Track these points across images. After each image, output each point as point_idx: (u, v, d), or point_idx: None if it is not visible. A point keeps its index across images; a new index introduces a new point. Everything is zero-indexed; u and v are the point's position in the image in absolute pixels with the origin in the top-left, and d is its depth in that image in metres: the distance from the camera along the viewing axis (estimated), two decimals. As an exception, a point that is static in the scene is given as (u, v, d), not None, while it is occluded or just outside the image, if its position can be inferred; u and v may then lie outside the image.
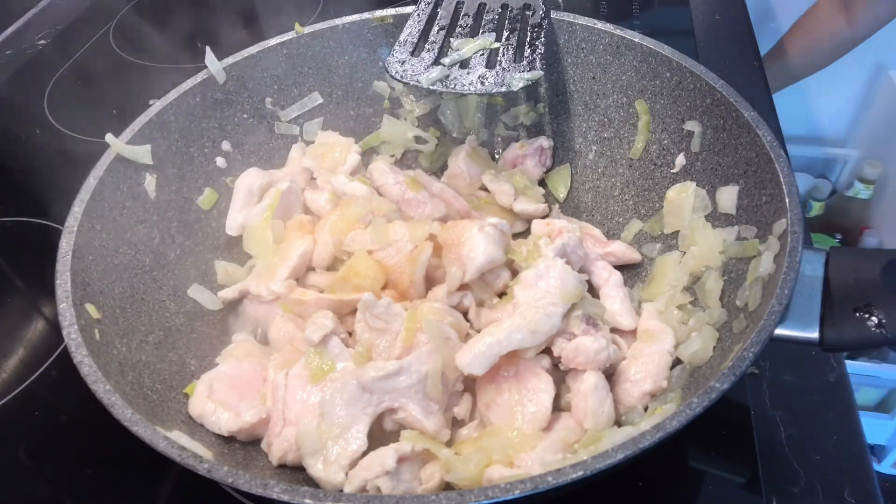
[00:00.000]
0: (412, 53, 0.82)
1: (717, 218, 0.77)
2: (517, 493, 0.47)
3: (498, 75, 0.79)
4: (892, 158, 2.12)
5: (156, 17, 1.57)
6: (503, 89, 0.78)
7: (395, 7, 0.95)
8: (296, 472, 0.68)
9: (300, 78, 0.95)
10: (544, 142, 0.96)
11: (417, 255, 0.76)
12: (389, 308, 0.72)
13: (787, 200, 0.64)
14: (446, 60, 0.81)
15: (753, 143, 0.71)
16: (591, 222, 0.92)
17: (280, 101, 0.95)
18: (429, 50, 0.83)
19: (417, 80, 0.79)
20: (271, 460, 0.68)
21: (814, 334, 0.60)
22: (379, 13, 0.94)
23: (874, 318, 0.58)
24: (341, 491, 0.62)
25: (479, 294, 0.78)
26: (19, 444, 0.80)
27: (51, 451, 0.79)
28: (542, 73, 0.79)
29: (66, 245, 0.68)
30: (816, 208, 2.32)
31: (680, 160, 0.83)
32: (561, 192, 0.97)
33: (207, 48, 0.87)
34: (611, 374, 0.72)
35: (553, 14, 0.88)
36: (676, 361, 0.71)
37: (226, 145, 0.91)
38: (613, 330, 0.77)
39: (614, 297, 0.79)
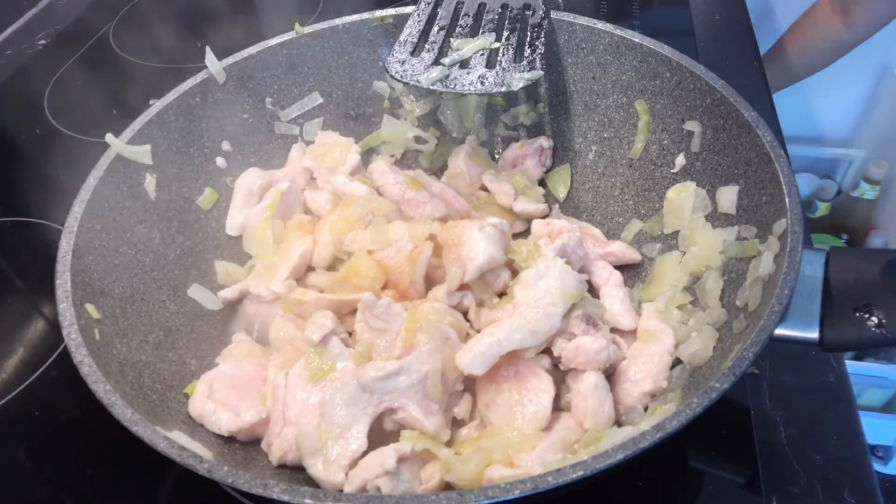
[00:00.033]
0: (412, 53, 0.82)
1: (717, 218, 0.77)
2: (517, 493, 0.47)
3: (498, 75, 0.79)
4: (899, 159, 2.13)
5: (156, 17, 1.57)
6: (503, 89, 0.78)
7: (395, 7, 0.95)
8: (296, 472, 0.68)
9: (300, 78, 0.95)
10: (544, 142, 0.96)
11: (417, 255, 0.76)
12: (389, 308, 0.72)
13: (787, 200, 0.64)
14: (446, 60, 0.81)
15: (753, 143, 0.71)
16: (591, 222, 0.92)
17: (280, 101, 0.95)
18: (429, 50, 0.83)
19: (417, 80, 0.79)
20: (271, 460, 0.68)
21: (814, 334, 0.60)
22: (379, 13, 0.94)
23: (874, 318, 0.58)
24: (341, 491, 0.62)
25: (479, 294, 0.78)
26: (19, 444, 0.80)
27: (51, 451, 0.79)
28: (542, 73, 0.79)
29: (66, 245, 0.68)
30: (822, 209, 2.32)
31: (680, 160, 0.83)
32: (561, 192, 0.97)
33: (207, 48, 0.87)
34: (611, 374, 0.72)
35: (553, 14, 0.89)
36: (676, 361, 0.71)
37: (226, 145, 0.91)
38: (613, 330, 0.77)
39: (614, 297, 0.79)
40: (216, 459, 0.60)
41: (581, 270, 0.79)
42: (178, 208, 0.84)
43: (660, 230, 0.85)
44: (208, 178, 0.89)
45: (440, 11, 0.87)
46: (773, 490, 0.69)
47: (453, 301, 0.77)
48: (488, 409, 0.69)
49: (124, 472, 0.75)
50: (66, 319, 0.62)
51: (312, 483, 0.64)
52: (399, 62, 0.81)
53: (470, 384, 0.72)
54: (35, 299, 0.99)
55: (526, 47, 0.82)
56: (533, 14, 0.87)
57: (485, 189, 0.96)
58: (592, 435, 0.63)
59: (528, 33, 0.84)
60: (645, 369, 0.70)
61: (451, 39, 0.84)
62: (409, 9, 0.89)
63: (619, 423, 0.69)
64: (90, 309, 0.65)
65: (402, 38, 0.84)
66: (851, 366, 1.72)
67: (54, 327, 0.93)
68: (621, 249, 0.85)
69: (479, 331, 0.74)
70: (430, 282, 0.80)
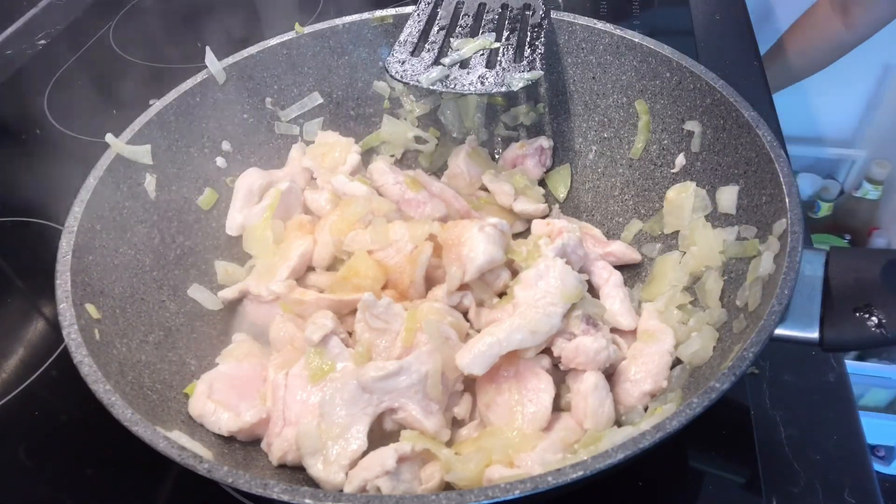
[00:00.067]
0: (412, 53, 0.82)
1: (717, 218, 0.77)
2: (517, 493, 0.47)
3: (498, 75, 0.79)
4: (902, 159, 2.12)
5: (156, 17, 1.57)
6: (503, 89, 0.78)
7: (395, 7, 0.95)
8: (296, 472, 0.68)
9: (300, 78, 0.95)
10: (544, 142, 0.96)
11: (417, 255, 0.76)
12: (389, 308, 0.72)
13: (787, 200, 0.64)
14: (446, 60, 0.81)
15: (753, 143, 0.71)
16: (591, 222, 0.92)
17: (280, 101, 0.95)
18: (429, 50, 0.83)
19: (417, 80, 0.79)
20: (271, 460, 0.68)
21: (814, 334, 0.60)
22: (379, 13, 0.94)
23: (874, 318, 0.58)
24: (341, 491, 0.62)
25: (479, 294, 0.78)
26: (19, 444, 0.80)
27: (51, 451, 0.79)
28: (542, 73, 0.79)
29: (66, 245, 0.68)
30: (825, 209, 2.31)
31: (680, 160, 0.83)
32: (561, 192, 0.97)
33: (207, 48, 0.87)
34: (611, 374, 0.72)
35: (553, 14, 0.88)
36: (676, 361, 0.71)
37: (226, 145, 0.91)
38: (613, 330, 0.77)
39: (614, 297, 0.79)
40: (216, 459, 0.60)
41: (581, 270, 0.79)
42: (178, 208, 0.84)
43: (660, 230, 0.85)
44: (208, 178, 0.89)
45: (440, 11, 0.87)
46: (773, 490, 0.69)
47: (453, 301, 0.77)
48: (488, 409, 0.69)
49: (124, 472, 0.75)
50: (66, 319, 0.62)
51: (312, 483, 0.64)
52: (399, 62, 0.81)
53: (470, 384, 0.72)
54: (35, 299, 0.99)
55: (526, 47, 0.82)
56: (533, 14, 0.87)
57: (485, 189, 0.96)
58: (592, 435, 0.63)
59: (528, 33, 0.84)
60: (645, 369, 0.70)
61: (451, 39, 0.84)
62: (409, 9, 0.89)
63: (619, 423, 0.69)
64: (90, 309, 0.65)
65: (402, 38, 0.84)
66: (854, 366, 1.72)
67: (54, 327, 0.93)
68: (621, 249, 0.85)
69: (479, 331, 0.74)
70: (430, 282, 0.80)
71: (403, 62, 0.81)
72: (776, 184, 0.66)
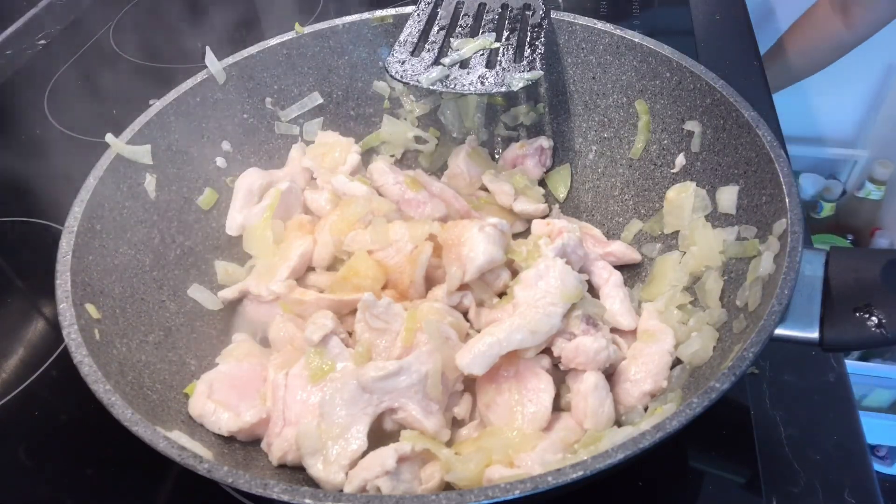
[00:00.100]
0: (412, 53, 0.82)
1: (717, 218, 0.77)
2: (517, 493, 0.47)
3: (498, 75, 0.79)
4: (904, 159, 2.12)
5: (156, 17, 1.57)
6: (503, 89, 0.78)
7: (395, 7, 0.95)
8: (296, 472, 0.68)
9: (300, 78, 0.95)
10: (544, 142, 0.96)
11: (417, 255, 0.76)
12: (389, 308, 0.72)
13: (787, 200, 0.64)
14: (446, 60, 0.81)
15: (753, 143, 0.71)
16: (591, 222, 0.92)
17: (280, 101, 0.95)
18: (429, 50, 0.83)
19: (417, 80, 0.79)
20: (271, 460, 0.68)
21: (814, 334, 0.60)
22: (379, 13, 0.94)
23: (874, 318, 0.58)
24: (341, 491, 0.62)
25: (479, 294, 0.78)
26: (19, 444, 0.80)
27: (51, 451, 0.79)
28: (542, 73, 0.79)
29: (66, 245, 0.68)
30: (827, 209, 2.31)
31: (680, 160, 0.83)
32: (561, 192, 0.97)
33: (207, 48, 0.87)
34: (611, 374, 0.72)
35: (553, 14, 0.88)
36: (676, 361, 0.71)
37: (226, 145, 0.91)
38: (613, 330, 0.77)
39: (614, 297, 0.79)
40: (216, 459, 0.60)
41: (581, 270, 0.79)
42: (178, 208, 0.84)
43: (660, 230, 0.85)
44: (208, 178, 0.89)
45: (440, 11, 0.87)
46: (773, 490, 0.70)
47: (453, 301, 0.77)
48: (488, 409, 0.69)
49: (124, 472, 0.75)
50: (66, 319, 0.62)
51: (312, 483, 0.64)
52: (399, 62, 0.81)
53: (470, 384, 0.72)
54: (35, 299, 0.99)
55: (526, 47, 0.82)
56: (533, 14, 0.87)
57: (485, 189, 0.96)
58: (592, 435, 0.63)
59: (528, 33, 0.84)
60: (645, 369, 0.70)
61: (451, 39, 0.84)
62: (409, 9, 0.89)
63: (619, 423, 0.69)
64: (90, 309, 0.65)
65: (402, 38, 0.84)
66: (858, 366, 1.72)
67: (54, 327, 0.93)
68: (621, 249, 0.85)
69: (479, 331, 0.74)
70: (430, 282, 0.80)
71: (403, 62, 0.81)
72: (776, 184, 0.66)
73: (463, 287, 0.76)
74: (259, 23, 1.49)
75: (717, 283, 0.72)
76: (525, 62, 0.80)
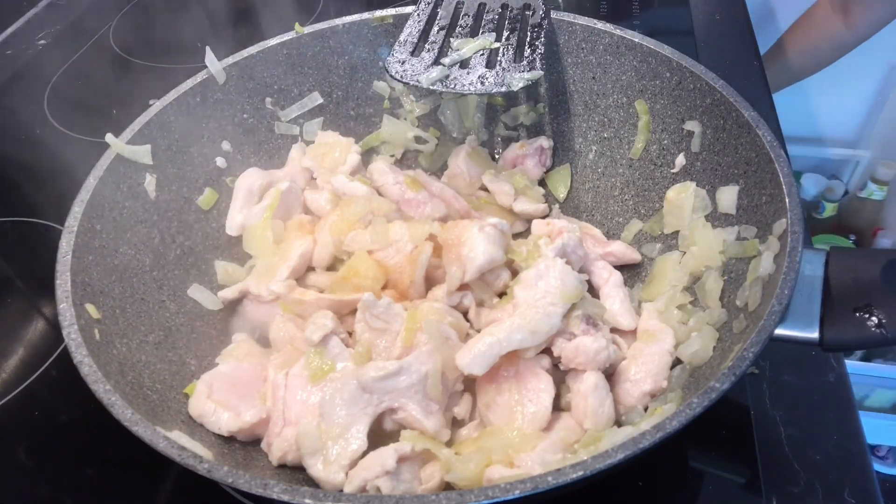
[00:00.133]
0: (412, 53, 0.82)
1: (717, 218, 0.77)
2: (517, 493, 0.47)
3: (498, 75, 0.79)
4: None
5: (156, 17, 1.57)
6: (503, 89, 0.78)
7: (395, 7, 0.95)
8: (296, 472, 0.68)
9: (300, 78, 0.95)
10: (544, 142, 0.96)
11: (417, 255, 0.76)
12: (389, 308, 0.72)
13: (787, 200, 0.64)
14: (446, 60, 0.81)
15: (753, 143, 0.71)
16: (591, 222, 0.92)
17: (280, 101, 0.95)
18: (429, 50, 0.83)
19: (417, 80, 0.79)
20: (271, 460, 0.68)
21: (814, 334, 0.60)
22: (379, 13, 0.94)
23: (874, 318, 0.58)
24: (341, 491, 0.62)
25: (479, 294, 0.78)
26: (19, 444, 0.80)
27: (51, 451, 0.79)
28: (542, 73, 0.79)
29: (66, 245, 0.68)
30: (829, 209, 2.32)
31: (680, 160, 0.83)
32: (561, 192, 0.97)
33: (207, 48, 0.87)
34: (611, 374, 0.72)
35: (553, 14, 0.88)
36: (676, 361, 0.71)
37: (226, 145, 0.91)
38: (613, 330, 0.77)
39: (614, 297, 0.79)
40: (216, 459, 0.60)
41: (581, 270, 0.79)
42: (178, 208, 0.84)
43: (660, 230, 0.85)
44: (208, 178, 0.89)
45: (440, 11, 0.87)
46: (773, 490, 0.69)
47: (453, 301, 0.77)
48: (488, 409, 0.69)
49: (124, 472, 0.75)
50: (66, 319, 0.62)
51: (312, 483, 0.64)
52: (399, 62, 0.81)
53: (470, 384, 0.72)
54: (35, 299, 0.99)
55: (526, 47, 0.82)
56: (533, 14, 0.87)
57: (485, 189, 0.96)
58: (592, 435, 0.63)
59: (528, 33, 0.84)
60: (645, 369, 0.70)
61: (451, 39, 0.84)
62: (409, 9, 0.89)
63: (619, 423, 0.69)
64: (90, 309, 0.65)
65: (402, 38, 0.84)
66: (860, 367, 1.73)
67: (54, 327, 0.93)
68: (621, 249, 0.85)
69: (479, 331, 0.74)
70: (430, 282, 0.80)
71: (403, 62, 0.81)
72: (776, 184, 0.66)
73: (463, 287, 0.76)
74: (259, 23, 1.49)
75: (717, 283, 0.72)
76: (525, 62, 0.80)
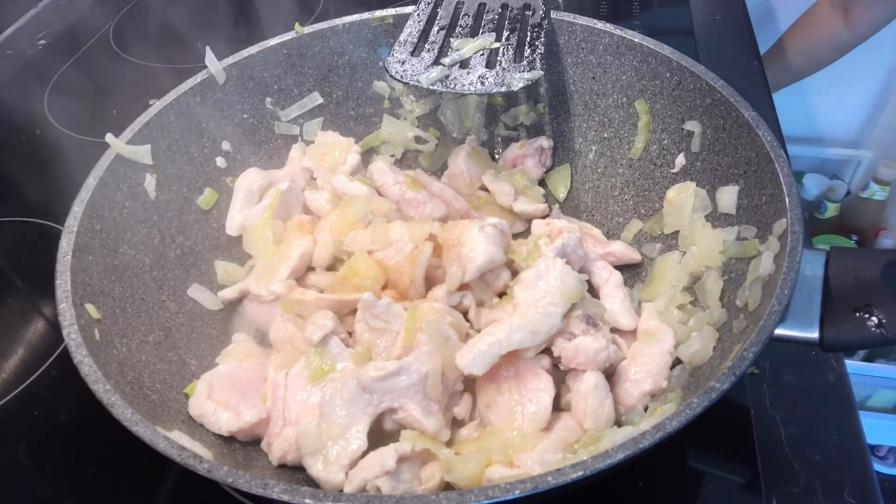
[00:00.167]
0: (412, 53, 0.82)
1: (717, 218, 0.77)
2: (517, 493, 0.47)
3: (498, 75, 0.79)
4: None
5: (156, 16, 1.57)
6: (503, 89, 0.78)
7: (395, 7, 0.95)
8: (296, 472, 0.68)
9: (300, 78, 0.95)
10: (544, 142, 0.96)
11: (417, 255, 0.76)
12: (389, 308, 0.72)
13: (787, 200, 0.64)
14: (446, 60, 0.81)
15: (753, 143, 0.71)
16: (591, 222, 0.92)
17: (280, 101, 0.95)
18: (429, 50, 0.83)
19: (417, 80, 0.79)
20: (271, 460, 0.68)
21: (814, 334, 0.60)
22: (379, 13, 0.94)
23: (874, 318, 0.58)
24: (341, 491, 0.62)
25: (479, 294, 0.78)
26: (19, 444, 0.80)
27: (51, 451, 0.79)
28: (542, 73, 0.79)
29: (66, 245, 0.68)
30: (831, 210, 2.31)
31: (680, 160, 0.83)
32: (561, 192, 0.97)
33: (207, 48, 0.87)
34: (611, 374, 0.72)
35: (553, 14, 0.88)
36: (676, 361, 0.71)
37: (226, 145, 0.91)
38: (613, 330, 0.77)
39: (614, 297, 0.79)
40: (216, 459, 0.60)
41: (581, 270, 0.79)
42: (178, 208, 0.84)
43: (660, 230, 0.85)
44: (208, 178, 0.89)
45: (440, 11, 0.87)
46: (773, 490, 0.69)
47: (453, 301, 0.77)
48: (488, 409, 0.69)
49: (124, 472, 0.75)
50: (66, 319, 0.62)
51: (312, 483, 0.64)
52: (399, 62, 0.81)
53: (470, 384, 0.72)
54: (35, 299, 0.99)
55: (526, 47, 0.82)
56: (533, 14, 0.87)
57: (485, 189, 0.96)
58: (592, 435, 0.63)
59: (528, 33, 0.84)
60: (645, 369, 0.70)
61: (451, 39, 0.84)
62: (409, 9, 0.89)
63: (619, 423, 0.69)
64: (90, 309, 0.65)
65: (402, 38, 0.84)
66: (862, 367, 1.73)
67: (54, 327, 0.93)
68: (621, 249, 0.85)
69: (479, 331, 0.74)
70: (430, 282, 0.80)
71: (403, 62, 0.81)
72: (776, 184, 0.66)
73: (463, 287, 0.76)
74: (259, 23, 1.49)
75: (717, 283, 0.72)
76: (525, 62, 0.80)
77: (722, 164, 0.77)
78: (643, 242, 0.87)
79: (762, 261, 0.65)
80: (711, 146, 0.79)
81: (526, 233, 0.92)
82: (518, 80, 0.78)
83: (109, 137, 0.77)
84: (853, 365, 1.74)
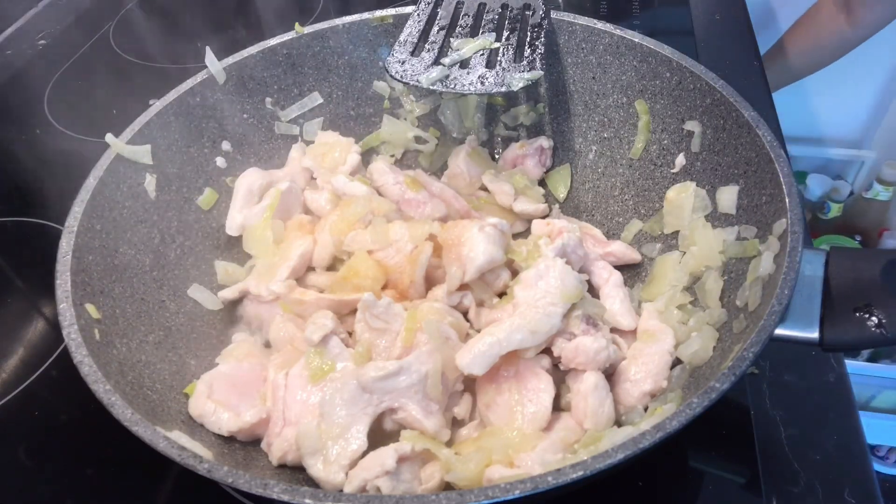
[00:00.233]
0: (412, 53, 0.82)
1: (717, 218, 0.77)
2: (517, 493, 0.47)
3: (498, 75, 0.79)
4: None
5: (156, 17, 1.57)
6: (503, 89, 0.78)
7: (395, 7, 0.95)
8: (296, 472, 0.68)
9: (300, 78, 0.95)
10: (544, 142, 0.96)
11: (417, 255, 0.76)
12: (389, 308, 0.72)
13: (787, 200, 0.64)
14: (446, 60, 0.81)
15: (753, 143, 0.71)
16: (591, 222, 0.92)
17: (280, 101, 0.95)
18: (429, 50, 0.83)
19: (417, 80, 0.79)
20: (271, 460, 0.68)
21: (814, 334, 0.60)
22: (379, 13, 0.94)
23: (874, 318, 0.58)
24: (341, 491, 0.62)
25: (479, 294, 0.78)
26: (19, 444, 0.80)
27: (51, 451, 0.79)
28: (542, 73, 0.79)
29: (66, 245, 0.68)
30: (835, 210, 2.31)
31: (680, 160, 0.83)
32: (561, 192, 0.97)
33: (207, 48, 0.87)
34: (611, 374, 0.72)
35: (553, 14, 0.88)
36: (676, 361, 0.71)
37: (226, 145, 0.91)
38: (613, 330, 0.77)
39: (614, 297, 0.79)
40: (216, 459, 0.59)
41: (581, 270, 0.79)
42: (178, 208, 0.84)
43: (660, 230, 0.85)
44: (208, 178, 0.89)
45: (440, 11, 0.87)
46: (773, 490, 0.69)
47: (453, 301, 0.77)
48: (488, 409, 0.69)
49: (124, 472, 0.75)
50: (66, 319, 0.62)
51: (312, 483, 0.64)
52: (399, 62, 0.81)
53: (470, 384, 0.72)
54: (35, 299, 0.99)
55: (526, 47, 0.82)
56: (533, 14, 0.87)
57: (485, 189, 0.96)
58: (592, 435, 0.63)
59: (528, 33, 0.84)
60: (645, 369, 0.70)
61: (451, 39, 0.84)
62: (409, 9, 0.89)
63: (619, 423, 0.69)
64: (90, 309, 0.65)
65: (402, 38, 0.84)
66: (865, 367, 1.72)
67: (54, 327, 0.93)
68: (621, 249, 0.85)
69: (479, 331, 0.74)
70: (430, 282, 0.80)
71: (403, 62, 0.81)
72: (776, 184, 0.66)
73: (463, 287, 0.76)
74: (259, 23, 1.49)
75: (717, 283, 0.72)
76: (525, 62, 0.80)
77: (722, 164, 0.77)
78: (643, 242, 0.87)
79: (762, 261, 0.65)
80: (711, 146, 0.79)
81: (526, 233, 0.92)
82: (518, 80, 0.78)
83: (109, 137, 0.77)
84: (857, 365, 1.73)
